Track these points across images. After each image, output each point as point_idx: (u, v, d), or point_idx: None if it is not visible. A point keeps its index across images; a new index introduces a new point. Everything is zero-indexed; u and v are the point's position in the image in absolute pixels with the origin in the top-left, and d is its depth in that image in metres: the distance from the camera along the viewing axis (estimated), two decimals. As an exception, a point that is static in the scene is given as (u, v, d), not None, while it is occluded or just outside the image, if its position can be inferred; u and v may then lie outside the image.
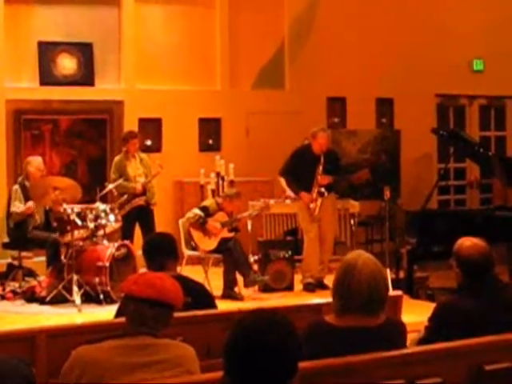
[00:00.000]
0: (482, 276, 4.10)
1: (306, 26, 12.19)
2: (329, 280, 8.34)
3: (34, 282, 8.93)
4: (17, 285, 8.91)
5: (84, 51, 11.07)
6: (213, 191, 10.48)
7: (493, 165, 9.66)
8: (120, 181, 9.42)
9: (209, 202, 9.40)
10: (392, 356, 3.40)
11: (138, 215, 9.59)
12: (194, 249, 9.04)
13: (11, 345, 4.04)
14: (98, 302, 8.25)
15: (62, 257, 8.69)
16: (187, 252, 9.05)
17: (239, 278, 8.85)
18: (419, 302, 8.32)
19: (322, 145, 9.05)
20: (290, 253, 9.29)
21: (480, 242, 4.18)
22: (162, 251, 4.69)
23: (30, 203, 8.84)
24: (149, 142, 11.28)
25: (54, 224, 8.93)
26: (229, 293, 8.69)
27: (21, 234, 8.92)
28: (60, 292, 8.29)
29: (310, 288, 9.08)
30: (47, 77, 10.89)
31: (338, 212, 9.67)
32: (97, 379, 3.01)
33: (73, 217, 8.43)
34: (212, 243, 8.90)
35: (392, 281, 8.38)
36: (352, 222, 10.05)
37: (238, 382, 2.39)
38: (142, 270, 5.74)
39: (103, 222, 8.69)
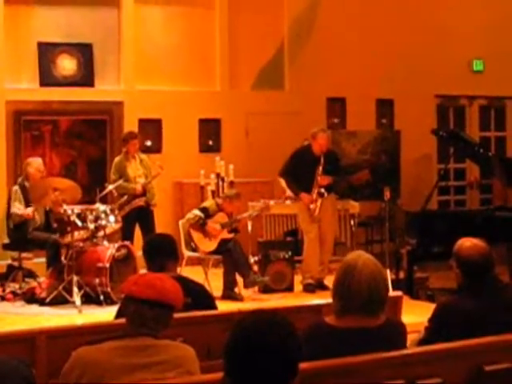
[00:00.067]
0: (482, 276, 4.10)
1: (306, 27, 12.19)
2: (329, 281, 8.34)
3: (34, 283, 8.93)
4: (17, 286, 8.91)
5: (84, 52, 11.08)
6: (213, 192, 10.48)
7: (493, 165, 9.66)
8: (120, 182, 9.42)
9: (209, 202, 9.40)
10: (392, 357, 3.40)
11: (138, 216, 9.59)
12: (194, 250, 9.04)
13: (11, 346, 4.04)
14: (98, 302, 8.25)
15: (62, 258, 8.69)
16: (187, 253, 9.05)
17: (239, 279, 8.85)
18: (419, 303, 8.32)
19: (322, 145, 9.05)
20: (289, 253, 9.29)
21: (480, 243, 4.17)
22: (162, 252, 4.69)
23: (29, 210, 8.83)
24: (149, 143, 11.29)
25: (54, 225, 8.94)
26: (229, 293, 8.69)
27: (21, 235, 8.92)
28: (60, 293, 8.29)
29: (310, 289, 9.08)
30: (47, 78, 10.89)
31: (337, 213, 9.67)
32: (97, 380, 3.01)
33: (73, 218, 8.43)
34: (212, 244, 8.90)
35: (392, 281, 8.38)
36: (352, 222, 10.05)
37: (239, 382, 2.39)
38: (142, 270, 5.75)
39: (103, 222, 8.69)
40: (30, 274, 9.21)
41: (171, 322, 3.26)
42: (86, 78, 11.09)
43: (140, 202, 9.56)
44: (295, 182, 9.29)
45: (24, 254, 9.15)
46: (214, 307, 4.87)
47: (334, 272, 3.78)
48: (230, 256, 8.76)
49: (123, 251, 8.67)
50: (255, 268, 9.33)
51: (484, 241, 4.21)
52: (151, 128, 11.36)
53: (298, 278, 9.31)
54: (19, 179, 9.32)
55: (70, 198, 8.65)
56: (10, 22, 10.62)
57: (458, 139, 9.77)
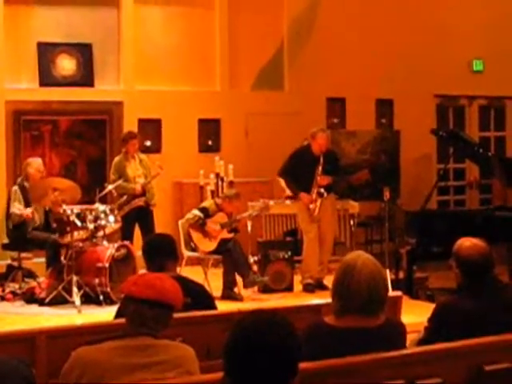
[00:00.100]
0: (482, 276, 4.10)
1: (306, 27, 12.19)
2: (328, 280, 8.33)
3: (33, 283, 8.93)
4: (16, 286, 8.91)
5: (83, 52, 11.08)
6: (212, 192, 10.48)
7: (492, 165, 9.65)
8: (119, 182, 9.42)
9: (208, 202, 9.40)
10: (392, 356, 3.40)
11: (138, 216, 9.59)
12: (194, 250, 9.04)
13: (11, 346, 4.04)
14: (98, 302, 8.25)
15: (62, 258, 8.69)
16: (187, 253, 9.05)
17: (239, 279, 8.85)
18: (419, 303, 8.32)
19: (322, 145, 9.05)
20: (289, 253, 9.29)
21: (480, 243, 4.17)
22: (161, 252, 4.69)
23: (29, 210, 8.83)
24: (148, 143, 11.29)
25: (54, 225, 8.93)
26: (228, 293, 8.69)
27: (20, 235, 8.92)
28: (60, 293, 8.28)
29: (309, 289, 9.08)
30: (47, 78, 10.89)
31: (337, 212, 9.67)
32: (97, 380, 3.01)
33: (72, 218, 8.43)
34: (211, 244, 8.90)
35: (392, 281, 8.38)
36: (351, 222, 10.05)
37: (238, 382, 2.39)
38: (142, 270, 5.75)
39: (103, 222, 8.69)
40: (30, 274, 9.21)
41: (171, 321, 3.26)
42: (85, 78, 11.09)
43: (139, 202, 9.56)
44: (295, 181, 9.29)
45: (23, 254, 9.15)
46: (214, 307, 4.87)
47: (333, 272, 3.77)
48: (229, 256, 8.76)
49: (123, 251, 8.66)
50: (255, 268, 9.33)
51: (484, 241, 4.21)
52: (151, 128, 11.35)
53: (297, 278, 9.31)
54: (19, 179, 9.32)
55: (70, 198, 8.65)
56: (10, 21, 10.62)
57: (458, 139, 9.77)
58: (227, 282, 8.77)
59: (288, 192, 9.93)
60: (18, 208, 8.88)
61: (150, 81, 11.36)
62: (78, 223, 8.50)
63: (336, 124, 12.51)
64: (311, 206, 9.10)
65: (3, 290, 8.85)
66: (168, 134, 11.41)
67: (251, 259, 9.49)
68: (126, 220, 9.30)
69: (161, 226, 9.72)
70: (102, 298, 8.26)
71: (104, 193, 9.30)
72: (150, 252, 4.75)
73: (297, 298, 8.67)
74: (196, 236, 8.94)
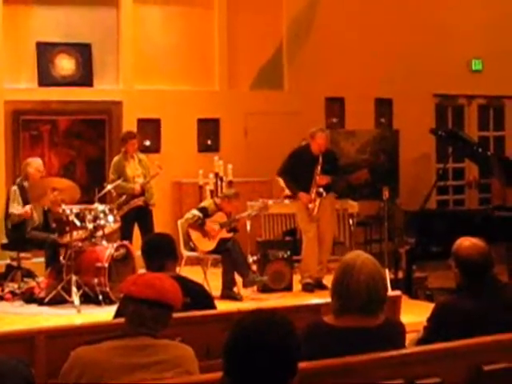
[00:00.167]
0: (481, 276, 4.10)
1: (305, 27, 12.19)
2: (327, 280, 8.34)
3: (32, 283, 8.92)
4: (16, 286, 8.90)
5: (82, 52, 11.07)
6: (211, 192, 10.48)
7: (491, 165, 9.66)
8: (119, 181, 9.42)
9: (207, 202, 9.40)
10: (391, 356, 3.40)
11: (137, 216, 9.59)
12: (193, 249, 9.03)
13: (10, 345, 4.04)
14: (97, 302, 8.25)
15: (61, 258, 8.68)
16: (186, 253, 9.05)
17: (238, 279, 8.85)
18: (418, 302, 8.32)
19: (321, 145, 9.05)
20: (288, 253, 9.29)
21: (479, 242, 4.17)
22: (161, 252, 4.68)
23: (28, 208, 8.83)
24: (147, 143, 11.29)
25: (53, 225, 8.93)
26: (228, 293, 8.69)
27: (19, 235, 8.91)
28: (59, 293, 8.28)
29: (308, 288, 9.08)
30: (46, 77, 10.89)
31: (336, 212, 9.67)
32: (96, 380, 3.01)
33: (71, 217, 8.43)
34: (211, 244, 8.90)
35: (391, 281, 8.37)
36: (351, 222, 10.05)
37: (238, 382, 2.39)
38: (141, 270, 5.75)
39: (102, 222, 8.68)
40: (29, 274, 9.20)
41: (170, 321, 3.26)
42: (84, 77, 11.09)
43: (139, 201, 9.56)
44: (294, 181, 9.29)
45: (23, 254, 9.14)
46: (213, 307, 4.87)
47: (332, 271, 3.78)
48: (228, 255, 8.76)
49: (122, 251, 8.66)
50: (254, 267, 9.33)
51: (483, 240, 4.21)
52: (150, 128, 11.35)
53: (296, 278, 9.31)
54: (18, 179, 9.31)
55: (69, 197, 8.65)
56: (9, 21, 10.62)
57: (457, 139, 9.76)
58: (226, 282, 8.77)
59: (287, 192, 9.94)
60: (16, 209, 8.87)
61: (149, 80, 11.36)
62: (77, 223, 8.49)
63: (335, 124, 12.51)
64: (310, 206, 9.10)
65: (2, 290, 8.84)
66: (167, 134, 11.41)
67: (250, 259, 9.49)
68: (125, 220, 9.30)
69: (160, 225, 9.72)
70: (101, 297, 8.25)
71: (103, 193, 9.30)
72: (149, 252, 4.75)
73: (296, 298, 8.66)
74: (195, 236, 8.94)
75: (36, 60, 10.85)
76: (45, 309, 8.20)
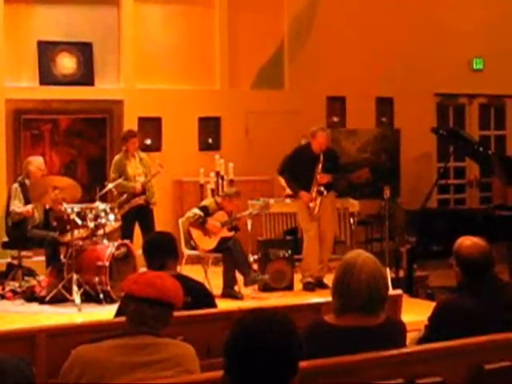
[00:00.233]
0: (482, 275, 4.10)
1: (306, 26, 12.18)
2: (328, 279, 8.34)
3: (33, 282, 8.93)
4: (16, 284, 8.91)
5: (83, 51, 11.07)
6: (212, 190, 10.48)
7: (492, 164, 9.65)
8: (120, 180, 9.42)
9: (208, 201, 9.40)
10: (392, 355, 3.40)
11: (138, 215, 9.59)
12: (194, 248, 9.03)
13: (11, 344, 4.04)
14: (98, 301, 8.25)
15: (62, 256, 8.69)
16: (187, 251, 9.05)
17: (239, 277, 8.85)
18: (419, 301, 8.32)
19: (322, 144, 9.06)
20: (289, 252, 9.29)
21: (480, 241, 4.17)
22: (162, 250, 4.68)
23: (29, 207, 8.83)
24: (148, 142, 11.29)
25: (54, 223, 8.93)
26: (228, 292, 8.69)
27: (20, 233, 8.91)
28: (60, 291, 8.28)
29: (309, 287, 9.08)
30: (47, 76, 10.89)
31: (337, 211, 9.66)
32: (97, 379, 3.01)
33: (73, 216, 8.43)
34: (212, 242, 8.90)
35: (392, 280, 8.38)
36: (352, 221, 10.04)
37: (239, 381, 2.39)
38: (142, 269, 5.75)
39: (103, 221, 8.69)
40: (30, 273, 9.21)
41: (171, 320, 3.26)
42: (85, 76, 11.09)
43: (140, 200, 9.56)
44: (294, 180, 9.29)
45: (24, 253, 9.14)
46: (214, 306, 4.87)
47: (333, 270, 3.78)
48: (229, 254, 8.76)
49: (123, 250, 8.66)
50: (255, 266, 9.33)
51: (484, 239, 4.21)
52: (151, 126, 11.36)
53: (297, 277, 9.31)
54: (19, 177, 9.31)
55: (70, 196, 8.65)
56: (10, 20, 10.62)
57: (458, 138, 9.75)
58: (227, 281, 8.77)
59: (288, 191, 9.94)
60: (17, 206, 8.87)
61: (150, 79, 11.36)
62: (79, 222, 8.50)
63: (336, 123, 12.51)
64: (311, 205, 9.10)
65: (3, 289, 8.85)
66: (168, 133, 11.41)
67: (251, 258, 9.49)
68: (126, 219, 9.30)
69: (161, 224, 9.72)
70: (102, 296, 8.26)
71: (104, 191, 9.31)
72: (150, 250, 4.75)
73: (297, 297, 8.67)
74: (196, 234, 8.94)
75: (37, 59, 10.85)
76: (46, 307, 8.21)
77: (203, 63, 11.71)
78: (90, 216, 8.60)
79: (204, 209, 9.04)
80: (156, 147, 11.33)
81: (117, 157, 9.78)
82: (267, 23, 11.98)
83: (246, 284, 8.82)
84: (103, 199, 9.28)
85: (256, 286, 8.98)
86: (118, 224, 9.00)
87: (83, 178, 10.82)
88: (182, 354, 3.18)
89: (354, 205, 10.14)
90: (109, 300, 8.22)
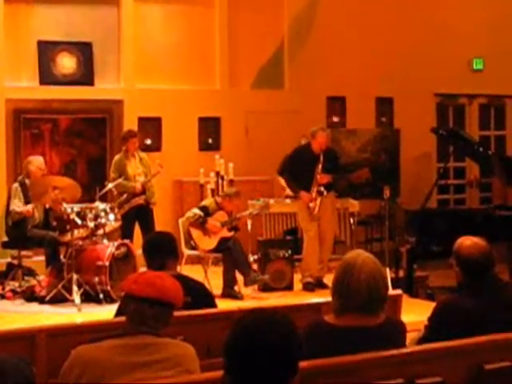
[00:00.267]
0: (482, 275, 4.10)
1: (306, 26, 12.18)
2: (328, 279, 8.33)
3: (33, 282, 8.93)
4: (16, 284, 8.91)
5: (83, 51, 11.07)
6: (212, 190, 10.48)
7: (492, 164, 9.65)
8: (120, 180, 9.42)
9: (208, 201, 9.40)
10: (392, 355, 3.40)
11: (138, 214, 9.59)
12: (194, 248, 9.03)
13: (11, 344, 4.04)
14: (98, 301, 8.25)
15: (62, 256, 8.69)
16: (187, 251, 9.05)
17: (239, 277, 8.85)
18: (419, 302, 8.32)
19: (322, 144, 9.06)
20: (289, 252, 9.29)
21: (480, 241, 4.17)
22: (162, 250, 4.68)
23: (30, 207, 8.83)
24: (148, 141, 11.29)
25: (54, 223, 8.92)
26: (228, 292, 8.69)
27: (20, 233, 8.91)
28: (60, 291, 8.28)
29: (309, 287, 9.08)
30: (47, 76, 10.89)
31: (337, 211, 9.66)
32: (97, 379, 3.01)
33: (72, 216, 8.43)
34: (212, 242, 8.90)
35: (392, 280, 8.38)
36: (352, 221, 10.04)
37: (239, 381, 2.39)
38: (142, 269, 5.75)
39: (103, 221, 8.69)
40: (30, 273, 9.21)
41: (171, 320, 3.26)
42: (85, 76, 11.09)
43: (139, 200, 9.55)
44: (294, 180, 9.29)
45: (24, 252, 9.14)
46: (214, 305, 4.87)
47: (333, 270, 3.78)
48: (229, 254, 8.76)
49: (123, 250, 8.66)
50: (255, 266, 9.32)
51: (484, 239, 4.21)
52: (151, 126, 11.36)
53: (297, 277, 9.31)
54: (19, 177, 9.32)
55: (70, 196, 8.65)
56: (10, 20, 10.62)
57: (458, 138, 9.75)
58: (227, 281, 8.77)
59: (288, 191, 9.94)
60: (17, 205, 8.87)
61: (150, 79, 11.36)
62: (78, 221, 8.50)
63: (336, 122, 12.51)
64: (311, 205, 9.10)
65: (3, 289, 8.85)
66: (168, 133, 11.41)
67: (251, 258, 9.49)
68: (126, 218, 9.30)
69: (161, 224, 9.72)
70: (102, 296, 8.26)
71: (104, 191, 9.30)
72: (150, 250, 4.75)
73: (297, 297, 8.67)
74: (196, 234, 8.94)
75: (37, 58, 10.86)
76: (46, 307, 8.21)
77: (203, 63, 11.71)
78: (90, 216, 8.60)
79: (204, 209, 9.04)
80: (156, 147, 11.33)
81: (117, 157, 9.78)
82: (267, 23, 11.98)
83: (246, 284, 8.82)
84: (103, 199, 9.28)
85: (256, 286, 8.98)
86: (117, 224, 9.00)
87: (83, 177, 10.83)
88: (182, 353, 3.18)
89: (353, 205, 10.15)
90: (109, 300, 8.22)
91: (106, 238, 8.72)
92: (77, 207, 8.60)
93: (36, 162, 9.16)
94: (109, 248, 8.50)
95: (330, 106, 12.47)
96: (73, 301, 8.14)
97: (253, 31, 11.88)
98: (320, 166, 9.04)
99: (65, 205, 8.47)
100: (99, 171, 10.92)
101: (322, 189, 9.10)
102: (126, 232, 9.39)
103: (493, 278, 4.16)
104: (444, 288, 8.29)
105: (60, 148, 10.99)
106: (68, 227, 8.50)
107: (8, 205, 9.03)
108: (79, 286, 8.26)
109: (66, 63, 11.02)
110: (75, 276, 8.23)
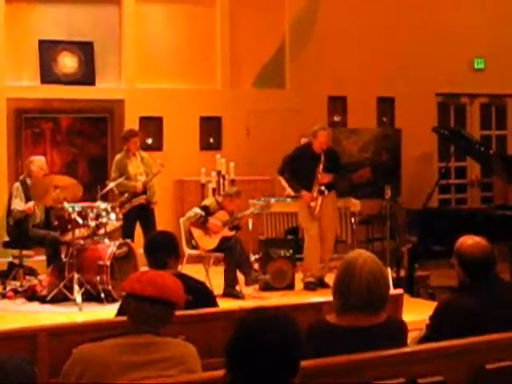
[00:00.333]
0: (484, 275, 4.10)
1: (307, 25, 12.18)
2: (329, 279, 8.34)
3: (34, 281, 8.94)
4: (18, 283, 8.91)
5: (85, 50, 11.07)
6: (213, 190, 10.48)
7: (494, 163, 9.65)
8: (121, 179, 9.42)
9: (209, 201, 9.39)
10: (393, 355, 3.40)
11: (139, 214, 9.59)
12: (195, 248, 9.03)
13: (13, 343, 4.04)
14: (99, 300, 8.25)
15: (63, 255, 8.69)
16: (188, 251, 9.04)
17: (240, 277, 8.85)
18: (420, 301, 8.32)
19: (323, 143, 9.05)
20: (290, 251, 9.29)
21: (482, 241, 4.17)
22: (163, 250, 4.68)
23: (31, 204, 8.84)
24: (150, 141, 11.29)
25: (55, 223, 8.92)
26: (230, 291, 8.69)
27: (21, 233, 8.91)
28: (61, 291, 8.29)
29: (310, 287, 9.08)
30: (48, 75, 10.89)
31: (338, 210, 9.65)
32: (98, 378, 3.01)
33: (74, 215, 8.43)
34: (213, 242, 8.90)
35: (393, 279, 8.37)
36: (353, 220, 10.02)
37: (240, 380, 2.39)
38: (143, 268, 5.75)
39: (104, 220, 8.69)
40: (31, 272, 9.22)
41: (172, 319, 3.26)
42: (87, 76, 11.09)
43: (141, 199, 9.56)
44: (295, 179, 9.29)
45: (25, 252, 9.14)
46: (215, 305, 4.87)
47: (334, 270, 3.78)
48: (230, 254, 8.76)
49: (124, 249, 8.66)
50: (256, 266, 9.33)
51: (485, 239, 4.21)
52: (152, 126, 11.36)
53: (298, 276, 9.31)
54: (21, 176, 9.32)
55: (71, 195, 8.65)
56: (11, 19, 10.63)
57: (459, 137, 9.76)
58: (228, 280, 8.77)
59: (289, 190, 9.93)
60: (18, 205, 8.88)
61: (151, 79, 11.36)
62: (80, 221, 8.50)
63: (337, 122, 12.51)
64: (312, 204, 9.10)
65: (4, 288, 8.85)
66: (169, 132, 11.42)
67: (252, 257, 9.49)
68: (127, 218, 9.29)
69: (162, 223, 9.72)
70: (103, 295, 8.26)
71: (105, 191, 9.31)
72: (151, 250, 4.75)
73: (298, 296, 8.66)
74: (197, 234, 8.93)
75: (38, 58, 10.86)
76: (47, 307, 8.21)
77: (204, 62, 11.71)
78: (91, 215, 8.60)
79: (205, 208, 9.04)
80: (157, 147, 11.33)
81: (118, 156, 9.78)
82: (268, 22, 11.97)
83: (247, 283, 8.81)
84: (104, 198, 9.29)
85: (257, 286, 8.99)
86: (119, 223, 9.00)
87: (84, 177, 10.83)
88: (183, 353, 3.18)
89: (355, 204, 10.13)
90: (110, 299, 8.22)
91: (107, 238, 8.72)
92: (78, 206, 8.61)
93: (38, 162, 9.17)
94: (110, 247, 8.51)
95: (331, 106, 12.47)
96: (74, 300, 8.14)
97: (254, 31, 11.88)
98: (321, 166, 9.04)
99: (66, 204, 8.47)
100: (100, 171, 10.93)
101: (323, 188, 9.10)
102: (127, 231, 9.39)
103: (494, 277, 4.16)
104: (445, 287, 8.29)
105: (61, 147, 10.99)
106: (69, 227, 8.50)
107: (9, 204, 9.04)
108: (80, 286, 8.26)
109: (68, 63, 11.02)
110: (76, 275, 8.23)
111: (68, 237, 8.56)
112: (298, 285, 9.23)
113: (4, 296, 8.69)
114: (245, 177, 10.94)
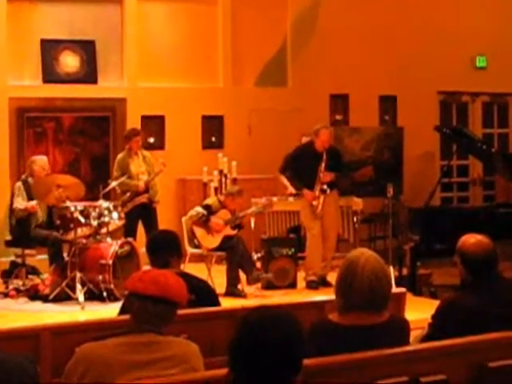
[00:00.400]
0: (486, 273, 4.10)
1: (309, 23, 12.18)
2: (332, 277, 8.33)
3: (37, 280, 8.94)
4: (20, 282, 8.91)
5: (87, 49, 11.07)
6: (215, 189, 10.48)
7: (496, 162, 9.64)
8: (123, 178, 9.42)
9: (211, 200, 9.39)
10: (395, 353, 3.40)
11: (141, 213, 9.59)
12: (197, 246, 9.03)
13: (15, 342, 4.04)
14: (102, 299, 8.25)
15: (65, 254, 8.69)
16: (190, 250, 9.05)
17: (242, 276, 8.85)
18: (422, 299, 8.31)
19: (325, 142, 9.05)
20: (292, 250, 9.29)
21: (484, 239, 4.17)
22: (165, 248, 4.68)
23: (33, 203, 8.84)
24: (152, 140, 11.29)
25: (57, 222, 8.92)
26: (232, 290, 8.69)
27: (23, 232, 8.92)
28: (63, 290, 8.29)
29: (312, 285, 9.08)
30: (50, 74, 10.90)
31: (340, 209, 9.66)
32: (101, 377, 3.01)
33: (76, 214, 8.43)
34: (215, 241, 8.90)
35: (395, 278, 8.36)
36: (355, 219, 10.02)
37: (243, 378, 2.39)
38: (146, 267, 5.75)
39: (106, 219, 8.68)
40: (34, 271, 9.22)
41: (175, 318, 3.26)
42: (88, 74, 11.09)
43: (143, 198, 9.56)
44: (297, 178, 9.29)
45: (27, 251, 9.14)
46: (218, 304, 4.87)
47: (336, 269, 3.78)
48: (233, 253, 8.76)
49: (126, 248, 8.67)
50: (258, 265, 9.33)
51: (488, 237, 4.21)
52: (154, 125, 11.36)
53: (300, 275, 9.30)
54: (23, 176, 9.32)
55: (74, 194, 8.66)
56: (13, 18, 10.63)
57: (461, 135, 9.75)
58: (231, 279, 8.77)
59: (290, 189, 9.93)
60: (20, 203, 8.88)
61: (153, 78, 11.36)
62: (82, 220, 8.50)
63: (339, 120, 12.51)
64: (314, 203, 9.10)
65: (7, 287, 8.86)
66: (171, 131, 11.42)
67: (254, 256, 9.49)
68: (129, 217, 9.29)
69: (164, 222, 9.72)
70: (105, 294, 8.26)
71: (107, 189, 9.31)
72: (154, 249, 4.75)
73: (300, 295, 8.66)
74: (199, 233, 8.94)
75: (40, 57, 10.86)
76: (49, 306, 8.21)
77: (206, 61, 11.71)
78: (94, 214, 8.60)
79: (207, 207, 9.04)
80: (159, 145, 11.33)
81: (120, 155, 9.78)
82: (270, 21, 11.97)
83: (249, 282, 8.82)
84: (106, 197, 9.29)
85: (259, 284, 8.99)
86: (121, 222, 9.00)
87: (86, 176, 10.83)
88: (186, 351, 3.18)
89: (357, 203, 10.13)
90: (112, 298, 8.22)
91: (109, 237, 8.72)
92: (80, 206, 8.61)
93: (40, 161, 9.17)
94: (112, 246, 8.51)
95: (333, 104, 12.47)
96: (76, 299, 8.14)
97: (256, 29, 11.88)
98: (323, 164, 9.04)
99: (68, 203, 8.47)
100: (102, 169, 10.93)
101: (325, 187, 9.10)
102: (129, 230, 9.40)
103: (497, 275, 4.16)
104: (447, 286, 8.28)
105: (63, 146, 10.99)
106: (71, 226, 8.50)
107: (11, 203, 9.04)
108: (83, 285, 8.26)
109: (69, 62, 11.02)
110: (79, 274, 8.24)
111: (70, 236, 8.56)
112: (300, 283, 9.23)
113: (6, 295, 8.70)
114: (247, 175, 10.95)
